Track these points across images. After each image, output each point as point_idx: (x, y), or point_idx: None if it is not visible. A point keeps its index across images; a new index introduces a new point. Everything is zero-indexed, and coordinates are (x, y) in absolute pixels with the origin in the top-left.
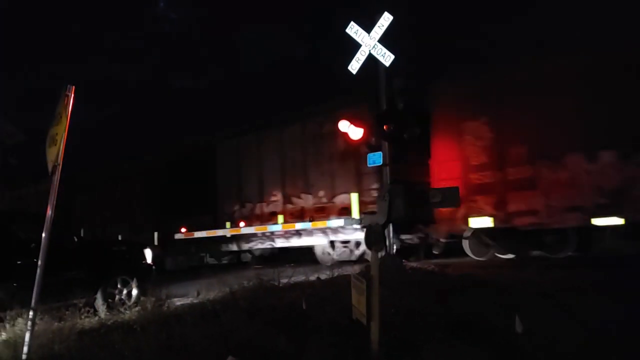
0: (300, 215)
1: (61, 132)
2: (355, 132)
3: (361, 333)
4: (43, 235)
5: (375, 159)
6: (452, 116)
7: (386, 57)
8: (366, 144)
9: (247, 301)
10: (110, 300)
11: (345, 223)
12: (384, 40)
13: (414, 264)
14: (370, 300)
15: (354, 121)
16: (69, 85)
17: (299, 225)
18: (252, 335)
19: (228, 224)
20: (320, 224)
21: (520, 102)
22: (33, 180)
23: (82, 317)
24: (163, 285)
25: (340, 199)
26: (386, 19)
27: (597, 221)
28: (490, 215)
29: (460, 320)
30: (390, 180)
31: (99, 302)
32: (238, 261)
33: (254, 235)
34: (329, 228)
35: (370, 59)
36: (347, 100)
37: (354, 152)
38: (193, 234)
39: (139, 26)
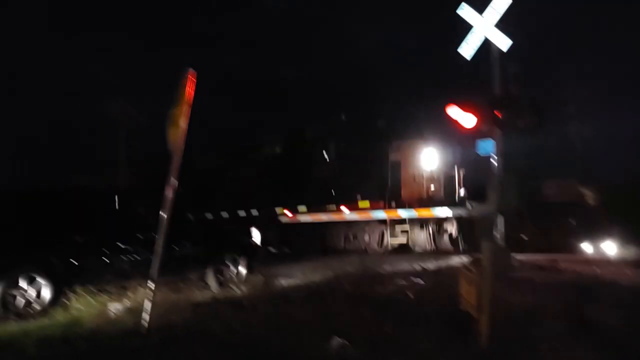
0: None
1: (182, 115)
2: (467, 120)
3: (469, 324)
4: (163, 214)
5: (487, 146)
6: None
7: (503, 42)
8: (477, 132)
9: (351, 286)
10: (220, 276)
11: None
12: (500, 24)
13: (521, 257)
14: (482, 292)
15: (465, 108)
16: (190, 69)
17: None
18: (357, 319)
19: None
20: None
21: None
22: (155, 160)
23: (196, 291)
24: (269, 265)
25: None
26: (504, 2)
27: None
28: None
29: (579, 321)
30: (503, 170)
31: (210, 278)
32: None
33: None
34: None
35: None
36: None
37: None
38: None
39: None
